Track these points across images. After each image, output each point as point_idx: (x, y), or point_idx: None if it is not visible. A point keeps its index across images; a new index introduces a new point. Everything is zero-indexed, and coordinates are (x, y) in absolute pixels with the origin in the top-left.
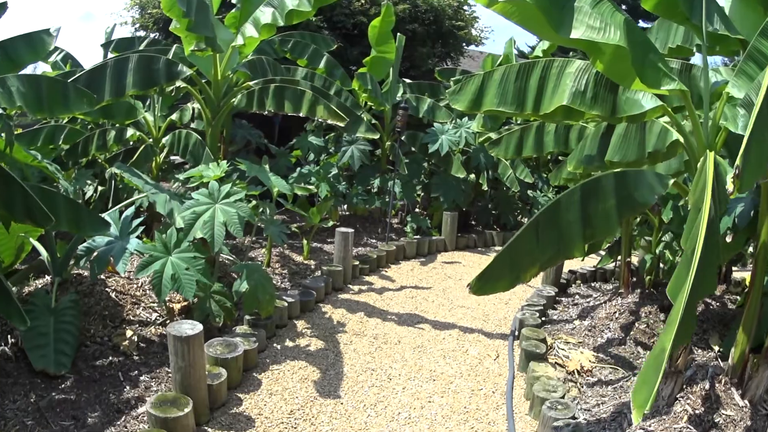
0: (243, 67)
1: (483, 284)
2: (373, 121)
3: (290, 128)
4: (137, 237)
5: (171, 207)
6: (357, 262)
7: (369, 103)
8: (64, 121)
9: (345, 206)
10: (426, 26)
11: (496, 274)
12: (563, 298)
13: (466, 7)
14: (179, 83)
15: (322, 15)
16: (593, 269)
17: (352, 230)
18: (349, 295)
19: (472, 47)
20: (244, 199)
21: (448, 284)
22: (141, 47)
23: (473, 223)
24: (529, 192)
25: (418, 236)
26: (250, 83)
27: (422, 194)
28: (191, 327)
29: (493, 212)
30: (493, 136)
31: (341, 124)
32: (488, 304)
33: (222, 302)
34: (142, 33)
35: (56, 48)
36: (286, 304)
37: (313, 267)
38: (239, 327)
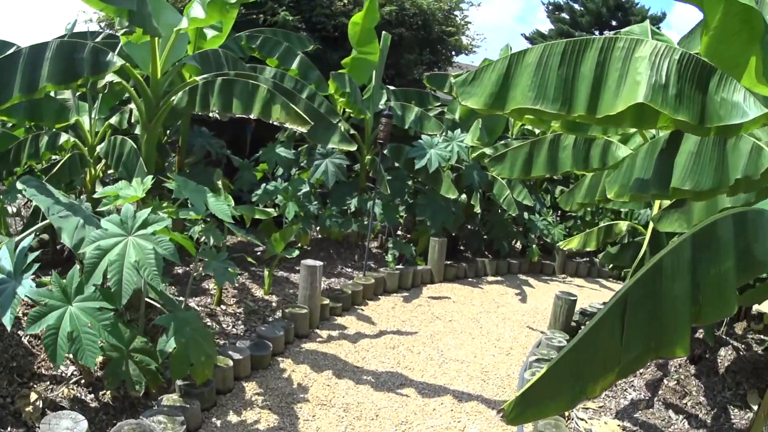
0: (192, 60)
1: (525, 409)
2: (352, 132)
3: (264, 138)
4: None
5: (82, 236)
6: (327, 301)
7: (347, 111)
8: None
9: (318, 228)
10: (414, 31)
11: (548, 392)
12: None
13: (457, 12)
14: (111, 77)
15: (300, 15)
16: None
17: (321, 263)
18: (315, 345)
19: (461, 57)
20: (168, 228)
21: (437, 327)
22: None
23: (462, 248)
24: (526, 215)
25: (400, 265)
26: (196, 78)
27: (405, 216)
28: (72, 424)
29: (485, 237)
30: (488, 151)
31: (303, 129)
32: (486, 356)
33: (144, 363)
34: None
35: None
36: (231, 363)
37: (274, 304)
38: (167, 396)
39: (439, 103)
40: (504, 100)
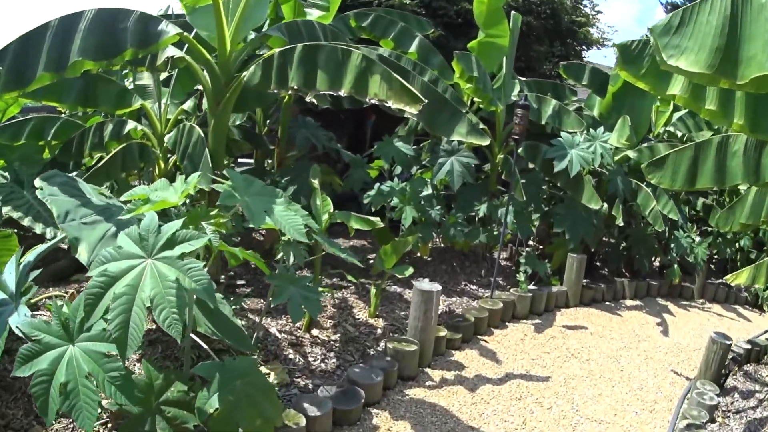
0: (277, 30)
1: None
2: (481, 126)
3: (388, 133)
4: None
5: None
6: (444, 332)
7: (475, 101)
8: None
9: (441, 237)
10: (542, 20)
11: None
12: (720, 398)
13: (586, 1)
14: (172, 51)
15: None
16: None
17: (438, 288)
18: (423, 391)
19: (592, 53)
20: (203, 250)
21: (572, 369)
22: None
23: (598, 263)
24: (666, 230)
25: (532, 285)
26: (275, 50)
27: (539, 226)
28: None
29: (624, 253)
30: (631, 155)
31: (413, 110)
32: (627, 413)
33: (179, 421)
34: None
35: None
36: (303, 423)
37: (380, 331)
38: None
39: (575, 98)
40: (736, 59)
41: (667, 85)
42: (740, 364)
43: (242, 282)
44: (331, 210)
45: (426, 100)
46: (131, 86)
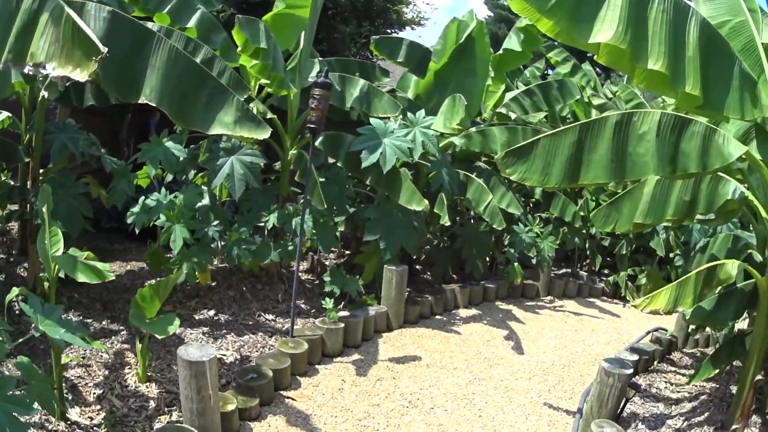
0: None
1: None
2: (269, 115)
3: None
4: None
5: None
6: (233, 404)
7: (263, 83)
8: None
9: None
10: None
11: None
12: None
13: None
14: None
15: None
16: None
17: (212, 354)
18: None
19: (406, 32)
20: None
21: (415, 426)
22: None
23: (418, 268)
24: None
25: (343, 311)
26: None
27: (344, 231)
28: None
29: (453, 255)
30: (458, 141)
31: (84, 74)
32: None
33: None
34: None
35: None
36: None
37: (152, 404)
38: None
39: (388, 79)
40: None
41: (590, 29)
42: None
43: None
44: (60, 250)
45: (105, 50)
46: None
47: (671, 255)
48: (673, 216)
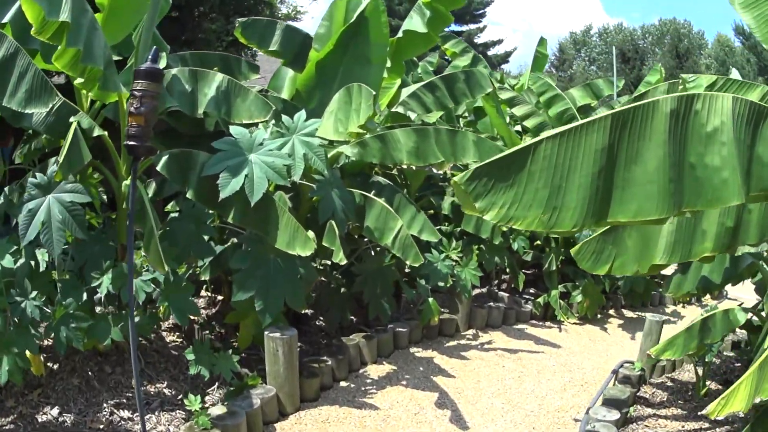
0: None
1: None
2: (96, 132)
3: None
4: None
5: None
6: None
7: (76, 85)
8: None
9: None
10: None
11: None
12: None
13: None
14: None
15: None
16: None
17: None
18: None
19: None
20: None
21: None
22: None
23: (308, 312)
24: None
25: (217, 407)
26: None
27: (210, 278)
28: None
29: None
30: (349, 151)
31: None
32: None
33: None
34: None
35: None
36: None
37: None
38: None
39: (258, 76)
40: None
41: None
42: None
43: None
44: None
45: None
46: None
47: None
48: (713, 250)
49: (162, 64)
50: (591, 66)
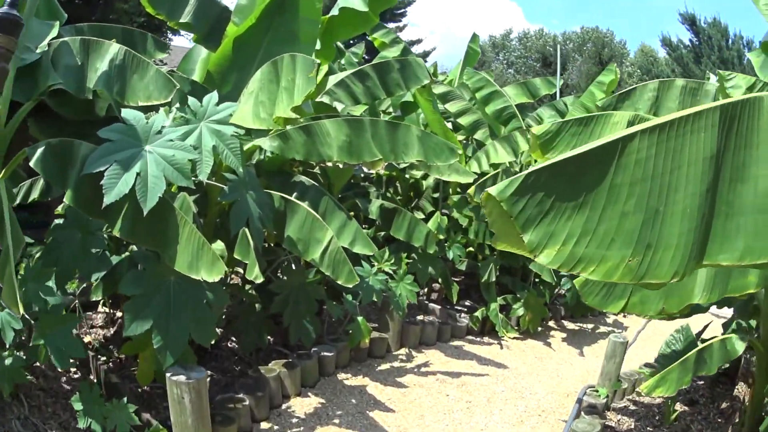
0: None
1: None
2: None
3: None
4: None
5: None
6: None
7: None
8: None
9: None
10: None
11: None
12: None
13: None
14: None
15: None
16: None
17: None
18: None
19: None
20: None
21: None
22: None
23: (218, 330)
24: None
25: None
26: None
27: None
28: None
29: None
30: (267, 145)
31: None
32: None
33: None
34: None
35: None
36: None
37: None
38: None
39: (166, 55)
40: None
41: None
42: None
43: None
44: None
45: None
46: None
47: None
48: (757, 287)
49: (52, 34)
50: (509, 69)
